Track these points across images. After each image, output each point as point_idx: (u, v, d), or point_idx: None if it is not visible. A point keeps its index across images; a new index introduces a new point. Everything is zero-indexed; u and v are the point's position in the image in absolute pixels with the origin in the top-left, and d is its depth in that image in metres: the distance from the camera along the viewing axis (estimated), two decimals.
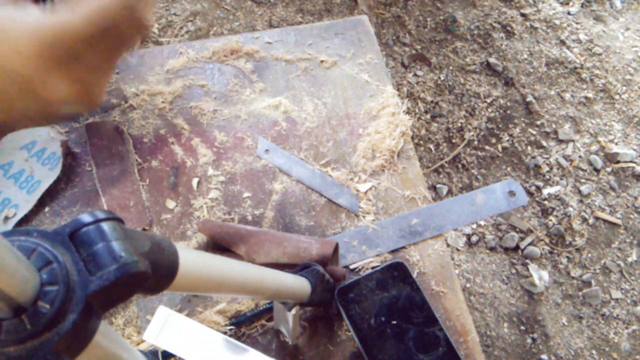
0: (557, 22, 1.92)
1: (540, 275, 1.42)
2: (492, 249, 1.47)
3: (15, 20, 0.35)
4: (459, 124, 1.66)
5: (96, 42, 0.38)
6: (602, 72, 1.81)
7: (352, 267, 0.53)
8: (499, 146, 1.64)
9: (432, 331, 0.48)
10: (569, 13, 1.95)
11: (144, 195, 0.57)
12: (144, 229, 0.55)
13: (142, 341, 0.48)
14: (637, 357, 1.34)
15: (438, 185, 1.56)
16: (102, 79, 0.41)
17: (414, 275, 0.52)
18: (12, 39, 0.35)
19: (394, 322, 0.48)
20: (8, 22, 0.35)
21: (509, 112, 1.71)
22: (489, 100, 1.72)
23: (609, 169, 1.61)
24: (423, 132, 1.64)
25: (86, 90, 0.39)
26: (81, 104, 0.40)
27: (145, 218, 0.55)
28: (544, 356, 1.32)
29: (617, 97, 1.76)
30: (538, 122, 1.70)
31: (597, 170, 1.61)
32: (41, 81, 0.36)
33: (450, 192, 1.56)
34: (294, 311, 0.42)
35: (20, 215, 0.56)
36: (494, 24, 1.90)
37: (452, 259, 1.45)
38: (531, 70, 1.80)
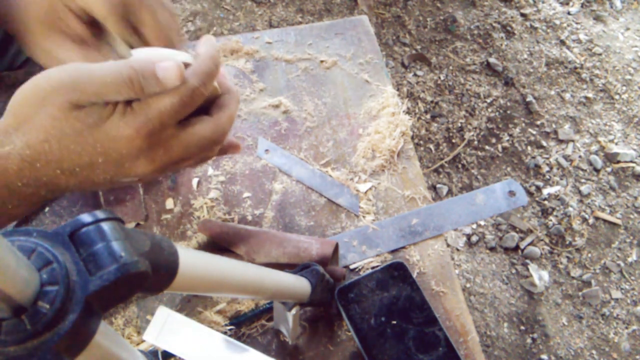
0: (557, 22, 1.92)
1: (540, 275, 1.42)
2: (492, 249, 1.47)
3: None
4: (459, 124, 1.66)
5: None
6: (602, 72, 1.81)
7: (352, 267, 0.53)
8: (499, 146, 1.64)
9: (432, 331, 0.48)
10: (569, 13, 1.95)
11: (140, 190, 0.57)
12: (138, 224, 0.55)
13: (142, 341, 0.48)
14: (637, 357, 1.34)
15: (438, 185, 1.56)
16: (175, 168, 0.44)
17: (414, 275, 0.52)
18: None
19: (394, 322, 0.48)
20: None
21: (509, 112, 1.71)
22: (489, 100, 1.72)
23: (609, 169, 1.61)
24: (423, 132, 1.64)
25: (160, 172, 0.42)
26: (144, 179, 0.44)
27: (140, 213, 0.55)
28: (544, 356, 1.32)
29: (617, 97, 1.76)
30: (538, 122, 1.70)
31: (597, 170, 1.61)
32: (133, 158, 0.39)
33: (450, 192, 1.56)
34: (294, 311, 0.42)
35: None
36: (494, 24, 1.90)
37: (452, 259, 1.45)
38: (531, 70, 1.80)
